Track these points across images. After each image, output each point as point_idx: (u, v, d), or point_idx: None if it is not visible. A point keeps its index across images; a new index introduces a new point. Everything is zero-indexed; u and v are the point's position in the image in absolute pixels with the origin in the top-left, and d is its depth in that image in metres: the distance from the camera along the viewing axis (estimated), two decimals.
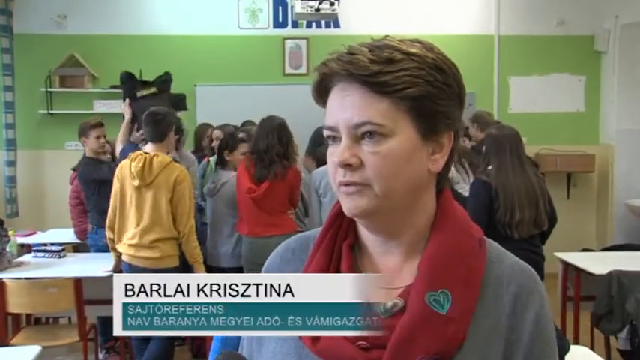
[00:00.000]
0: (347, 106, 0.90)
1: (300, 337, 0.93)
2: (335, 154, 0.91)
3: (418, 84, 0.88)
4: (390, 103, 0.88)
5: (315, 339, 0.91)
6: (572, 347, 2.66)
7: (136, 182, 3.74)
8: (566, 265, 4.42)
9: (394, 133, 0.89)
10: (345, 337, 0.89)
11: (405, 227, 0.95)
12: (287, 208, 4.29)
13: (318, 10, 5.02)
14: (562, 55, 7.18)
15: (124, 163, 3.86)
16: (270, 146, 4.10)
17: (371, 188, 0.89)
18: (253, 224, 4.18)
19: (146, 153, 3.82)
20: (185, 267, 4.26)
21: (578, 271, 4.25)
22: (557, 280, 4.65)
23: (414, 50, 0.90)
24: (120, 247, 3.84)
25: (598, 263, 4.14)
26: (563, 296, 4.50)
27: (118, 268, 3.94)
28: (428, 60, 0.90)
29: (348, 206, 0.91)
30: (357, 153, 0.89)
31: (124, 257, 3.84)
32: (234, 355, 0.91)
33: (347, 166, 0.89)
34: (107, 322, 4.44)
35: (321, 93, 0.94)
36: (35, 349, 2.77)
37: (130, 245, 3.79)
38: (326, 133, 0.93)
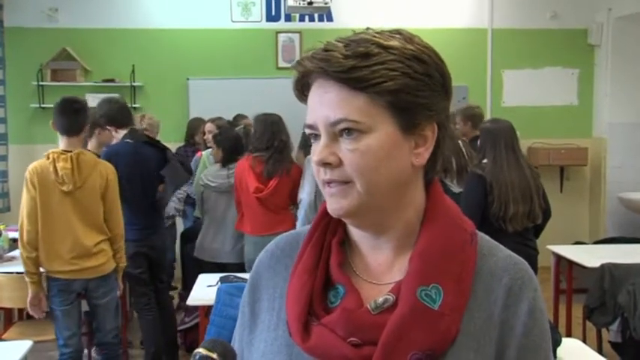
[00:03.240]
0: (324, 104, 0.88)
1: (291, 335, 0.93)
2: (315, 152, 0.90)
3: (395, 77, 0.86)
4: (366, 98, 0.86)
5: (306, 337, 0.90)
6: (564, 340, 2.67)
7: (67, 187, 3.30)
8: (559, 258, 4.44)
9: (372, 129, 0.87)
10: (336, 334, 0.88)
11: (392, 223, 0.93)
12: (288, 204, 4.29)
13: (310, 3, 5.00)
14: (555, 49, 7.19)
15: (40, 166, 3.32)
16: (284, 141, 4.14)
17: (353, 185, 0.88)
18: (257, 223, 4.14)
19: (67, 151, 3.35)
20: (149, 271, 4.16)
21: (571, 264, 4.26)
22: (549, 273, 4.67)
23: (392, 43, 0.88)
24: (52, 266, 3.36)
25: (590, 256, 4.16)
26: (555, 289, 4.52)
27: (38, 299, 3.39)
28: (406, 52, 0.88)
29: (332, 207, 0.91)
30: (336, 151, 0.88)
31: (60, 275, 3.37)
32: (220, 342, 0.90)
33: (326, 164, 0.89)
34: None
35: (302, 90, 0.93)
36: (27, 343, 2.77)
37: (72, 259, 3.34)
38: (307, 131, 0.92)
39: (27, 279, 3.37)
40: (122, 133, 4.08)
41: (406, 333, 0.86)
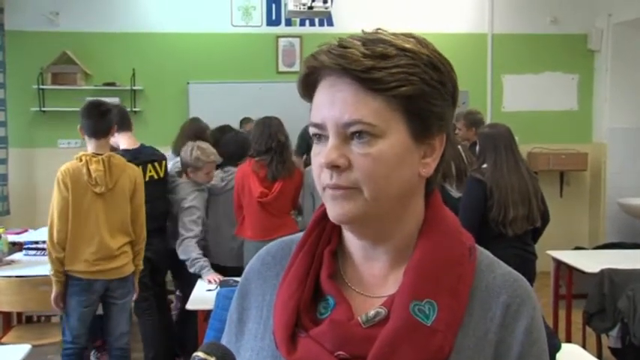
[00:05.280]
0: (336, 103, 0.84)
1: (277, 346, 0.89)
2: (321, 154, 0.85)
3: (413, 82, 0.83)
4: (382, 101, 0.82)
5: (292, 349, 0.87)
6: (564, 345, 2.66)
7: (99, 189, 3.37)
8: (559, 264, 4.44)
9: (385, 133, 0.83)
10: (324, 347, 0.85)
11: (393, 233, 0.90)
12: (290, 208, 4.27)
13: (310, 7, 4.99)
14: (555, 54, 7.20)
15: (72, 167, 3.39)
16: (282, 143, 4.09)
17: (360, 192, 0.84)
18: (258, 227, 4.09)
19: (98, 154, 3.43)
20: (150, 276, 4.15)
21: (571, 269, 4.26)
22: (549, 279, 4.67)
23: (408, 46, 0.85)
24: (75, 266, 3.40)
25: (590, 261, 4.15)
26: (555, 294, 4.52)
27: (62, 297, 3.45)
28: (423, 57, 0.85)
29: (335, 212, 0.86)
30: (346, 153, 0.83)
31: (82, 275, 3.41)
32: (219, 345, 0.88)
33: (334, 167, 0.84)
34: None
35: (308, 87, 0.88)
36: (25, 347, 2.76)
37: (95, 260, 3.40)
38: (311, 130, 0.87)
39: (54, 278, 3.41)
40: (118, 136, 4.10)
41: (397, 349, 0.82)
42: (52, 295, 3.44)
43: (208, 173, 4.25)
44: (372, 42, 0.84)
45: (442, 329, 0.83)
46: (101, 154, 3.43)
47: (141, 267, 3.67)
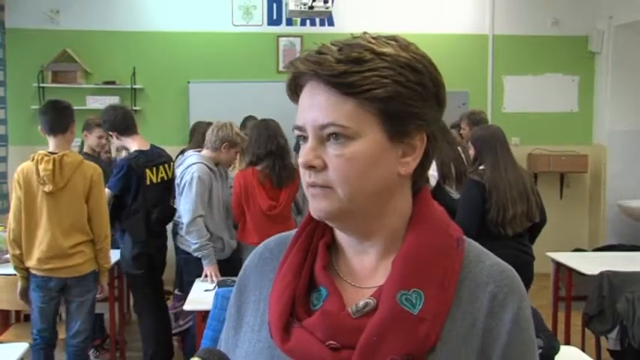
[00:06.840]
0: (314, 106, 0.88)
1: (272, 336, 0.92)
2: (300, 154, 0.90)
3: (386, 85, 0.86)
4: (356, 104, 0.86)
5: (286, 338, 0.90)
6: (563, 347, 2.66)
7: (48, 187, 3.37)
8: (558, 265, 4.43)
9: (359, 135, 0.87)
10: (315, 337, 0.88)
11: (377, 229, 0.93)
12: (290, 210, 4.25)
13: (311, 7, 4.99)
14: (556, 55, 7.19)
15: (26, 167, 3.44)
16: (282, 146, 4.03)
17: (334, 191, 0.88)
18: (265, 235, 4.01)
19: (51, 153, 3.44)
20: (150, 272, 4.13)
21: (570, 271, 4.25)
22: (549, 281, 4.66)
23: (385, 49, 0.88)
24: (30, 263, 3.46)
25: (590, 263, 4.15)
26: (554, 296, 4.51)
27: (26, 292, 3.53)
28: (400, 59, 0.88)
29: (314, 208, 0.91)
30: (321, 154, 0.88)
31: (37, 272, 3.46)
32: (214, 350, 0.90)
33: (310, 167, 0.88)
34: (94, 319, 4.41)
35: (294, 91, 0.93)
36: (23, 346, 2.76)
37: (47, 258, 3.42)
38: (295, 132, 0.92)
39: (17, 274, 3.51)
40: (124, 139, 4.12)
41: (385, 337, 0.85)
42: (17, 290, 3.52)
43: (236, 154, 4.15)
44: (349, 47, 0.88)
45: (429, 318, 0.85)
46: (55, 153, 3.41)
47: (106, 266, 3.64)
